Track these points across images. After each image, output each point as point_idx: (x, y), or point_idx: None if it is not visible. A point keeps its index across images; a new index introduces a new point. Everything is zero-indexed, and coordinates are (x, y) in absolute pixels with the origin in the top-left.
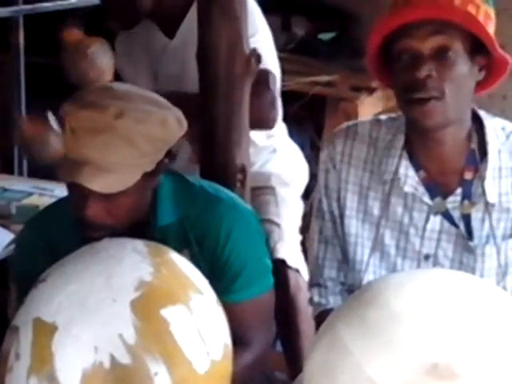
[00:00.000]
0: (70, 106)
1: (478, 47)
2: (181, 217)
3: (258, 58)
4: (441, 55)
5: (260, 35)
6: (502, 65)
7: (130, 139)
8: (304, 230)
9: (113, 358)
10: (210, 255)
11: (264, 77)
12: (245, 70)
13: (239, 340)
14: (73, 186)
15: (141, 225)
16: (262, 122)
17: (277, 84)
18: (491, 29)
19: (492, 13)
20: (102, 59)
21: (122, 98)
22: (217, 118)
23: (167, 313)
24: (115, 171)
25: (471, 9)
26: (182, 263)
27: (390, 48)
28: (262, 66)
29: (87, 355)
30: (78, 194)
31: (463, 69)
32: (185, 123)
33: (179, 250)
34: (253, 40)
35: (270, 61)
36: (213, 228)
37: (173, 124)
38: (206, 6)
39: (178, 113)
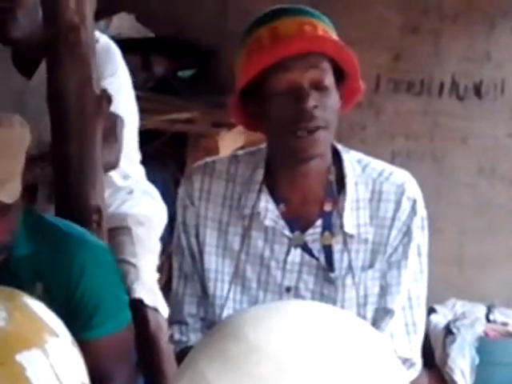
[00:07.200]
0: None
1: (338, 77)
2: (33, 251)
3: (109, 99)
4: (319, 86)
5: (118, 76)
6: (353, 95)
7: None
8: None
9: None
10: (63, 293)
11: (111, 120)
12: (96, 110)
13: (100, 377)
14: None
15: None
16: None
17: (124, 126)
18: None
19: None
20: None
21: None
22: (70, 158)
23: (23, 358)
24: (9, 181)
25: (329, 36)
26: (35, 306)
27: (257, 85)
28: (114, 109)
29: None
30: None
31: (336, 98)
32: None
33: (32, 284)
34: (111, 80)
35: (126, 102)
36: (64, 266)
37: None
38: (54, 47)
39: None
